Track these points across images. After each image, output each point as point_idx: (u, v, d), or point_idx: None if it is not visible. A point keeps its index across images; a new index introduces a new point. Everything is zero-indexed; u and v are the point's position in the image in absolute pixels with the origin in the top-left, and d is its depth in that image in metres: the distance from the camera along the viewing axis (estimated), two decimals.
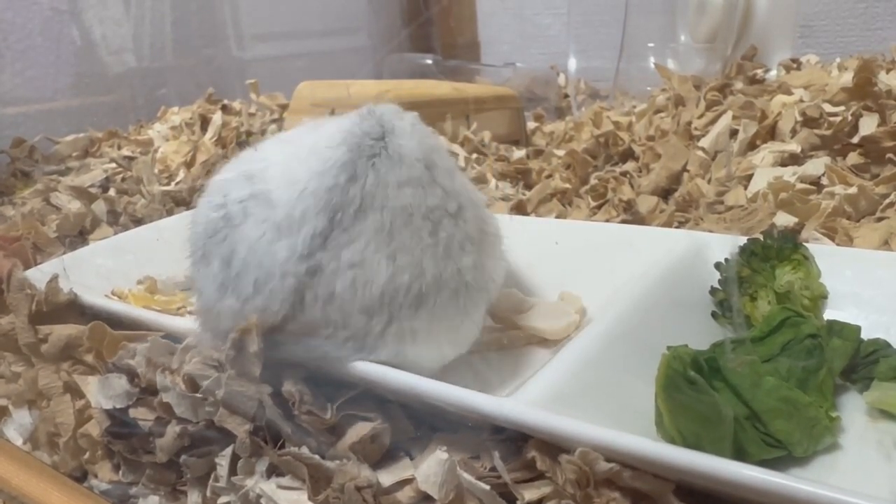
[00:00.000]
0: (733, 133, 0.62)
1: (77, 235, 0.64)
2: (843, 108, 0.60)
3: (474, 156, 0.76)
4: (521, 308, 0.43)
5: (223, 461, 0.33)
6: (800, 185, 0.53)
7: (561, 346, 0.38)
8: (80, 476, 0.39)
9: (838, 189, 0.51)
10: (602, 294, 0.40)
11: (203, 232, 0.36)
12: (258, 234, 0.34)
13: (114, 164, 0.81)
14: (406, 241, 0.34)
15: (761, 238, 0.40)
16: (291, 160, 0.36)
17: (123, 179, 0.77)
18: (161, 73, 1.09)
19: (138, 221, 0.66)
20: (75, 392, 0.40)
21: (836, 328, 0.35)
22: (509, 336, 0.42)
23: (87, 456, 0.38)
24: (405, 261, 0.34)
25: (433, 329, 0.35)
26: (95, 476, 0.38)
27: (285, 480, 0.32)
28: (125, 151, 0.86)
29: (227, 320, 0.34)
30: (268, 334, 0.34)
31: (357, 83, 0.87)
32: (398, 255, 0.34)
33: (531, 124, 0.94)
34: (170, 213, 0.68)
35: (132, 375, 0.37)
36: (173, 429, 0.35)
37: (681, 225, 0.53)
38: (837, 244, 0.45)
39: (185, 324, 0.40)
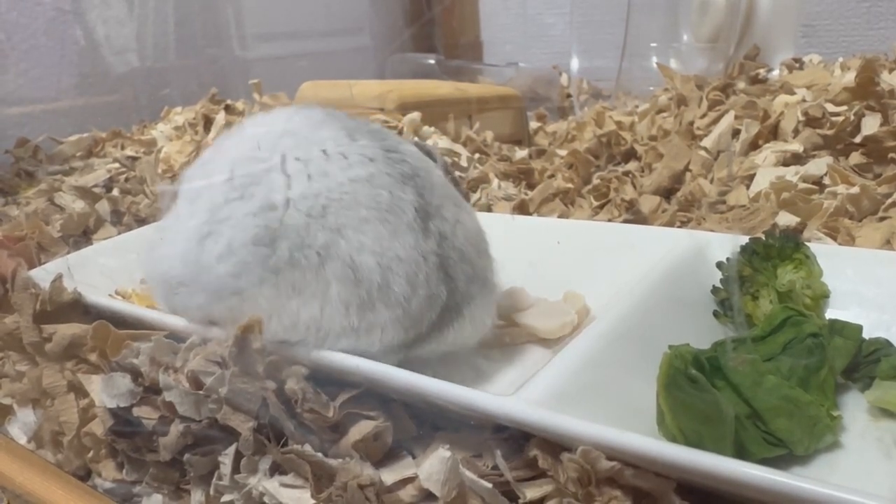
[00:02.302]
0: (735, 133, 0.62)
1: (81, 235, 0.64)
2: (845, 107, 0.60)
3: (477, 156, 0.76)
4: (522, 306, 0.43)
5: (226, 459, 0.33)
6: (802, 185, 0.53)
7: (563, 344, 0.38)
8: (84, 475, 0.39)
9: (840, 189, 0.51)
10: (604, 293, 0.40)
11: (281, 266, 0.34)
12: (373, 236, 0.33)
13: (117, 164, 0.81)
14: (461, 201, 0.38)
15: (763, 237, 0.40)
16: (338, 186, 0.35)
17: (127, 179, 0.77)
18: (164, 73, 1.09)
19: (142, 221, 0.67)
20: (79, 391, 0.40)
21: (837, 327, 0.35)
22: (511, 333, 0.42)
23: (90, 454, 0.38)
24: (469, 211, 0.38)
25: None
26: (99, 475, 0.38)
27: (288, 478, 0.32)
28: (129, 151, 0.86)
29: (388, 335, 0.34)
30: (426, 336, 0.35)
31: (360, 83, 0.88)
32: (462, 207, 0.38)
33: (533, 124, 0.94)
34: None
35: (136, 374, 0.37)
36: (177, 427, 0.35)
37: (683, 225, 0.53)
38: (839, 244, 0.45)
39: (188, 323, 0.40)
